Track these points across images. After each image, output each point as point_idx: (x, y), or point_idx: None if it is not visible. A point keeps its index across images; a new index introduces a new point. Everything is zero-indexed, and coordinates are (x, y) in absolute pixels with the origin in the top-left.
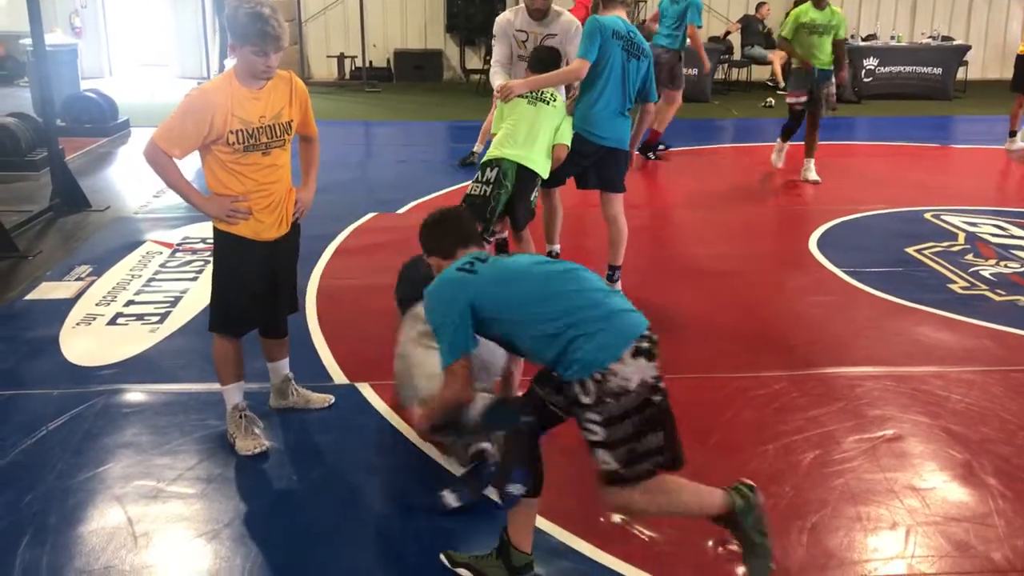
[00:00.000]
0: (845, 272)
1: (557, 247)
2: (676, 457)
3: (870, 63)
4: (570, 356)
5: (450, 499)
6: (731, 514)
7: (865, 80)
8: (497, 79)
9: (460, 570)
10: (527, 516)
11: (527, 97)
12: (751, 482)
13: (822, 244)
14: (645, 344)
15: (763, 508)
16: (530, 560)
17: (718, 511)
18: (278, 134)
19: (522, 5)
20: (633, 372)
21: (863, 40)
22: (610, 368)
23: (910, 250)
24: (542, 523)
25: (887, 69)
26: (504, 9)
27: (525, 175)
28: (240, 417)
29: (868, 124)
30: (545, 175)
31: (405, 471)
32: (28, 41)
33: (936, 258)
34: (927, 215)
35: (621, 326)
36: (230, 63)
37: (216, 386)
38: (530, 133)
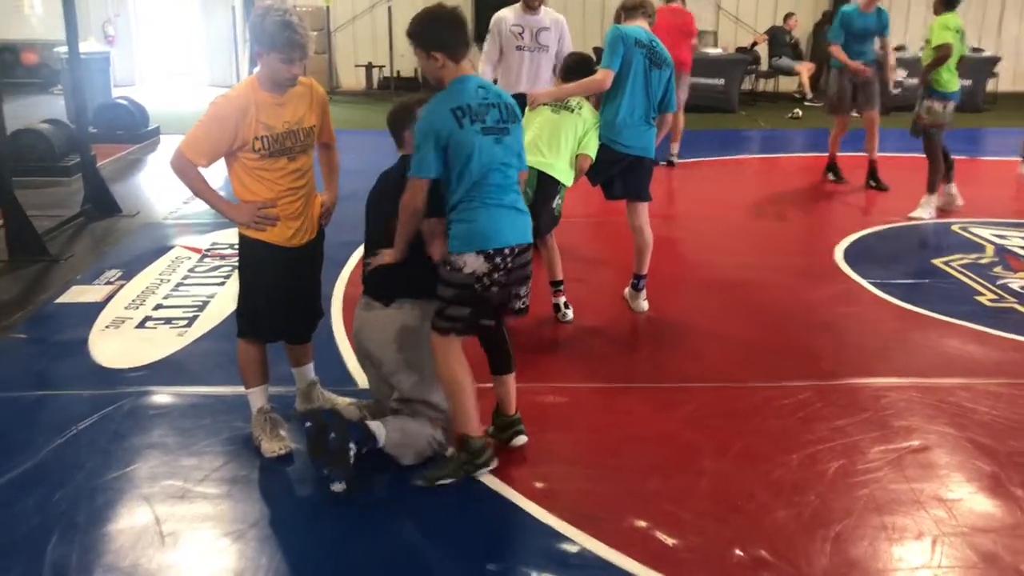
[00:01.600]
0: (871, 283)
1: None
2: (474, 327)
3: (899, 75)
4: (451, 226)
5: (336, 487)
6: (464, 442)
7: (893, 92)
8: (485, 73)
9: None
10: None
11: (551, 105)
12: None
13: (848, 255)
14: (495, 257)
15: (486, 461)
16: (487, 430)
17: (460, 431)
18: (302, 139)
19: (517, 4)
20: (470, 262)
21: (894, 50)
22: (457, 254)
23: (937, 262)
24: (564, 528)
25: (915, 80)
26: None
27: (547, 182)
28: (265, 420)
29: (895, 136)
30: (568, 183)
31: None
32: (62, 49)
33: (964, 270)
34: (955, 227)
35: (488, 230)
36: (256, 71)
37: (242, 389)
38: (552, 141)
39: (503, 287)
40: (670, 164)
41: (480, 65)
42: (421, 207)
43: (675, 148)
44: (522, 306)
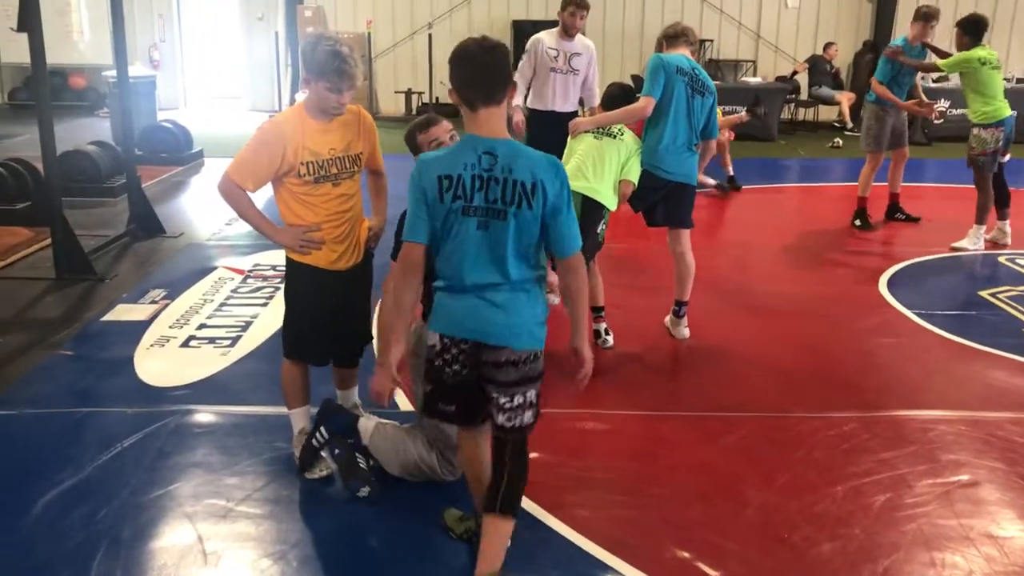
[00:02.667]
0: (916, 314)
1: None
2: (431, 411)
3: (941, 105)
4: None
5: (362, 492)
6: (475, 516)
7: (936, 122)
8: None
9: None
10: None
11: (593, 132)
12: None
13: (892, 285)
14: (450, 348)
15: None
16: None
17: (476, 498)
18: (347, 166)
19: (555, 29)
20: (431, 336)
21: (934, 82)
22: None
23: (983, 293)
24: (603, 555)
25: (960, 111)
26: None
27: (591, 206)
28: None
29: (938, 166)
30: (612, 207)
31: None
32: (109, 73)
33: (1011, 302)
34: (1001, 259)
35: (442, 317)
36: (301, 97)
37: (284, 409)
38: (597, 166)
39: (471, 382)
40: (734, 187)
41: (517, 74)
42: (412, 274)
43: (729, 169)
44: (507, 422)
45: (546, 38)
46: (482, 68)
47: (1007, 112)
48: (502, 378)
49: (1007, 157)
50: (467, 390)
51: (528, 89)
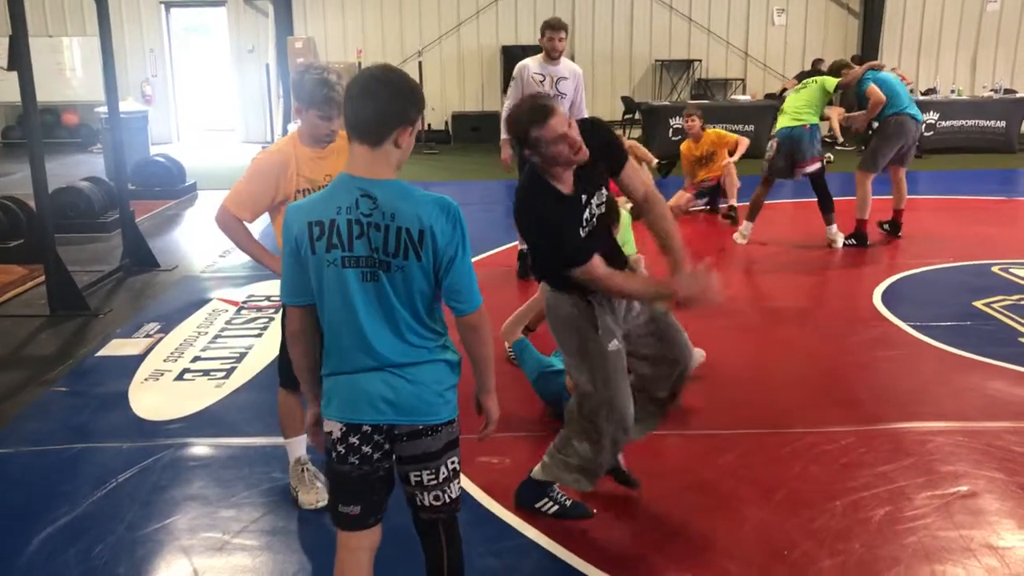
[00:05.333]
0: (911, 326)
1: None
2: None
3: (931, 117)
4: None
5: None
6: None
7: (926, 134)
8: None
9: None
10: None
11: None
12: None
13: (886, 298)
14: (349, 435)
15: None
16: None
17: None
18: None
19: (539, 55)
20: (327, 423)
21: (923, 94)
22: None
23: (978, 304)
24: (586, 568)
25: (948, 123)
26: None
27: None
28: (302, 471)
29: (930, 178)
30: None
31: (467, 525)
32: (102, 109)
33: (1005, 311)
34: (995, 268)
35: (349, 398)
36: (293, 127)
37: (280, 440)
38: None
39: (379, 471)
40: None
41: (506, 102)
42: (300, 341)
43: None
44: (435, 500)
45: (531, 64)
46: (352, 98)
47: (784, 124)
48: (423, 449)
49: (809, 168)
50: (373, 482)
51: None
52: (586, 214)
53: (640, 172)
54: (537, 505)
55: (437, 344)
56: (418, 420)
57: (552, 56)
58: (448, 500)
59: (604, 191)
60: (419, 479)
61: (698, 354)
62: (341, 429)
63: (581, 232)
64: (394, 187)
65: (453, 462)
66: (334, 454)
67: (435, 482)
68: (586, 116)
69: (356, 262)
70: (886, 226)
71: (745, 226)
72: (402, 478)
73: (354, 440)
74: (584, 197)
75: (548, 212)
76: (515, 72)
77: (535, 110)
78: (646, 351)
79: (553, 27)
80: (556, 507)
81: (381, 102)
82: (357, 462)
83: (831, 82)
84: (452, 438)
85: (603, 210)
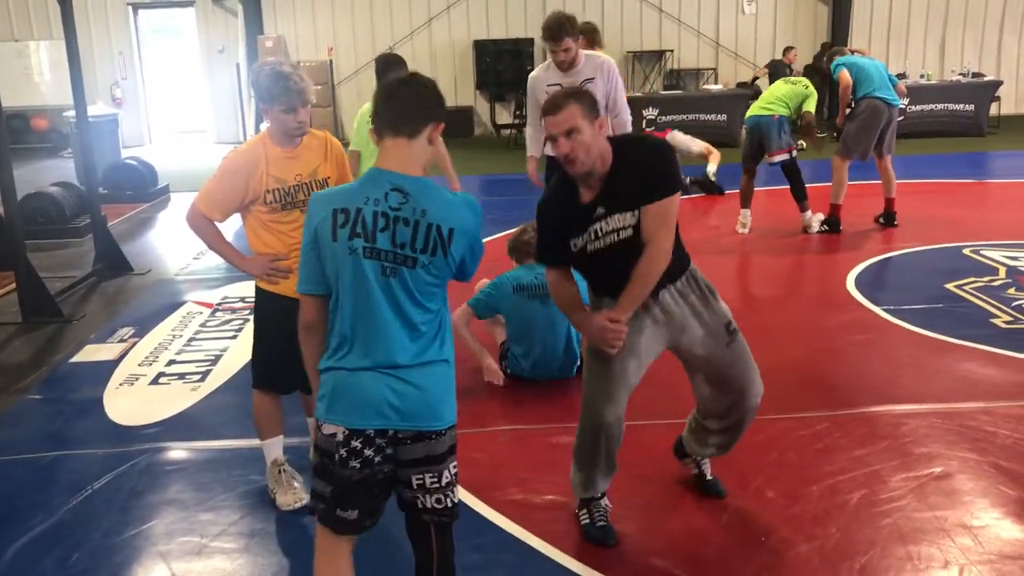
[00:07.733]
0: (884, 310)
1: None
2: (324, 518)
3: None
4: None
5: None
6: None
7: (896, 119)
8: (530, 146)
9: None
10: None
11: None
12: None
13: (859, 283)
14: (351, 440)
15: None
16: None
17: None
18: (315, 191)
19: (551, 60)
20: (328, 427)
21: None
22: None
23: (950, 286)
24: (581, 568)
25: (918, 107)
26: (531, 64)
27: None
28: (280, 472)
29: (900, 162)
30: None
31: None
32: (72, 113)
33: (977, 293)
34: (966, 251)
35: (356, 402)
36: (265, 127)
37: (256, 442)
38: None
39: (379, 475)
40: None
41: (528, 130)
42: (313, 335)
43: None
44: (438, 504)
45: (544, 74)
46: (388, 97)
47: (753, 111)
48: (427, 452)
49: (777, 158)
50: (372, 486)
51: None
52: (595, 227)
53: (664, 226)
54: (577, 512)
55: (436, 332)
56: (423, 426)
57: (563, 68)
58: (450, 504)
59: (633, 215)
60: (421, 482)
61: None
62: (344, 433)
63: (580, 241)
64: (425, 184)
65: (455, 466)
66: (336, 457)
67: (437, 485)
68: (628, 116)
69: (377, 255)
70: (881, 219)
71: (744, 214)
72: (403, 482)
73: (356, 444)
74: (600, 210)
75: (547, 205)
76: (528, 89)
77: (550, 99)
78: (708, 370)
79: (552, 38)
80: (587, 520)
81: (419, 96)
82: (358, 466)
83: (813, 101)
84: (454, 443)
85: (629, 234)
